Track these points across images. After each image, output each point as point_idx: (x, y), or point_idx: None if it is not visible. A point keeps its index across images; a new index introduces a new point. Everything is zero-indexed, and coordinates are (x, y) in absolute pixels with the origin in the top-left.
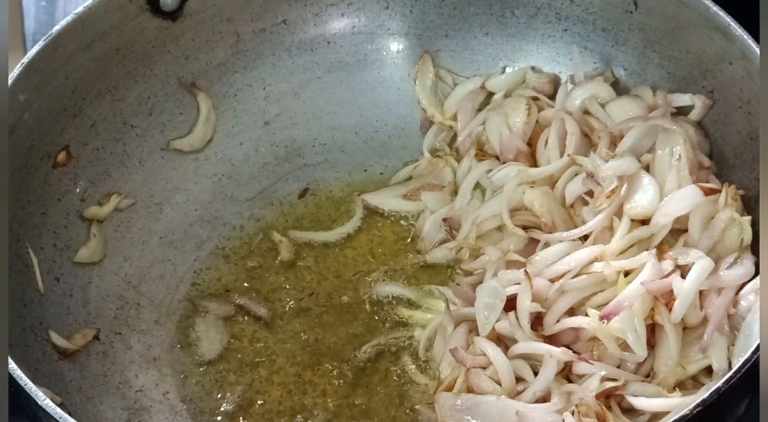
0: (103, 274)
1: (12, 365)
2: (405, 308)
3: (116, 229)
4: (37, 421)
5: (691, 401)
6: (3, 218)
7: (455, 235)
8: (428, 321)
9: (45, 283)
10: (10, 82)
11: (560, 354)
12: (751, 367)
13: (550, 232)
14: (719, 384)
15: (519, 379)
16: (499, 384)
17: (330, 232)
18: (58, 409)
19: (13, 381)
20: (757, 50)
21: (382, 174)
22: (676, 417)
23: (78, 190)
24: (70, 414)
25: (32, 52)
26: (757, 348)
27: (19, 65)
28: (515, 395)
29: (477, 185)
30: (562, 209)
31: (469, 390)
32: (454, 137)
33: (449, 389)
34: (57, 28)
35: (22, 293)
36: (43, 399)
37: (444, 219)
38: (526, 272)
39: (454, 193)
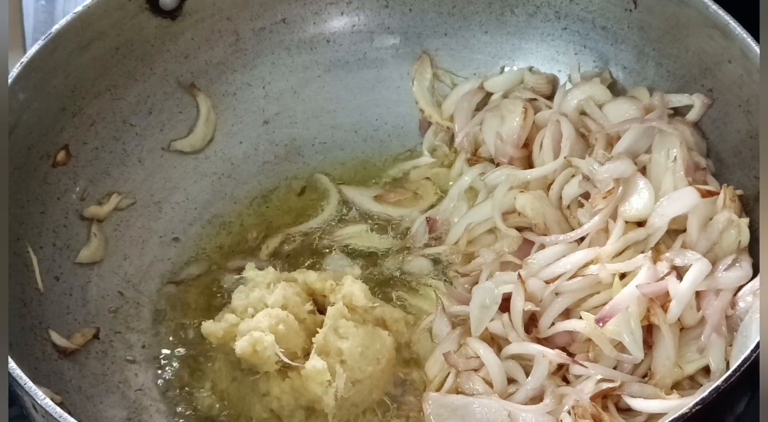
0: (103, 273)
1: (12, 364)
2: (403, 291)
3: (116, 228)
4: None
5: (688, 402)
6: (3, 217)
7: (437, 236)
8: (422, 311)
9: (45, 282)
10: (9, 81)
11: (554, 356)
12: (751, 366)
13: (543, 234)
14: (719, 382)
15: (511, 381)
16: (491, 386)
17: (312, 221)
18: (58, 408)
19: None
20: (757, 49)
21: (381, 171)
22: (676, 415)
23: (77, 189)
24: (69, 413)
25: (32, 51)
26: (757, 346)
27: (18, 64)
28: (507, 396)
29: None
30: (556, 212)
31: (459, 391)
32: (453, 136)
33: (437, 389)
34: (56, 27)
35: (22, 292)
36: (42, 398)
37: (427, 219)
38: (519, 275)
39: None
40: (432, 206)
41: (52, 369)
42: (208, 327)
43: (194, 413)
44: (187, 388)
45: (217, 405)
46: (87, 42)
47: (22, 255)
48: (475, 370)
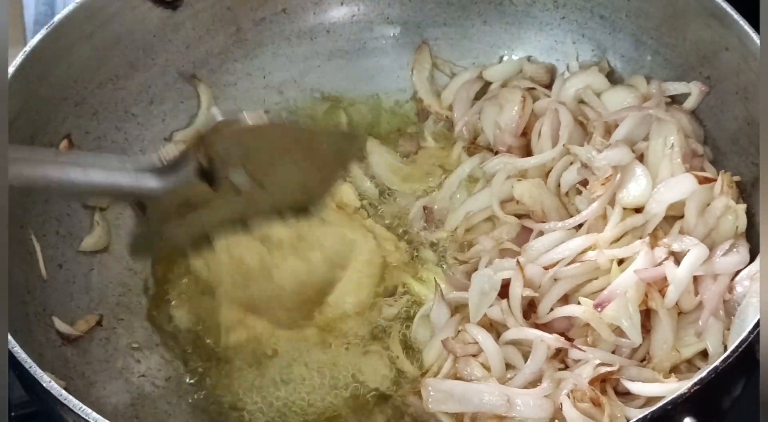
0: (106, 261)
1: (17, 348)
2: (406, 277)
3: (118, 217)
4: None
5: (686, 385)
6: (3, 207)
7: (434, 224)
8: (426, 298)
9: (48, 270)
10: (12, 70)
11: (552, 340)
12: (748, 348)
13: (542, 222)
14: (717, 363)
15: (509, 366)
16: (489, 371)
17: None
18: (63, 391)
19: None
20: (754, 36)
21: None
22: (674, 395)
23: None
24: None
25: (34, 40)
26: (753, 328)
27: (21, 54)
28: (505, 382)
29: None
30: (554, 199)
31: (458, 377)
32: (453, 126)
33: (434, 375)
34: (59, 16)
35: (26, 279)
36: (48, 381)
37: (423, 207)
38: (518, 262)
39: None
40: (427, 192)
41: (56, 355)
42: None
43: (198, 397)
44: (190, 373)
45: (220, 387)
46: (89, 32)
47: (26, 243)
48: (474, 356)
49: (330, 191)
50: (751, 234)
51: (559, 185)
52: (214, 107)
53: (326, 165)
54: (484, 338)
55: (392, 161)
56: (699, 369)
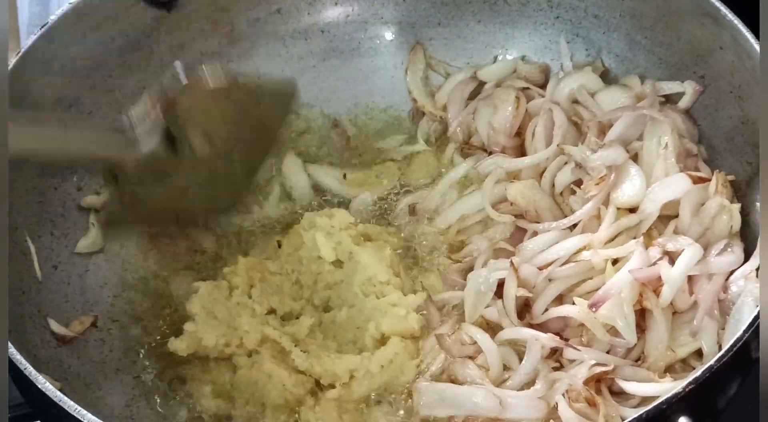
0: (100, 262)
1: (12, 349)
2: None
3: None
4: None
5: (681, 384)
6: (3, 207)
7: (423, 220)
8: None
9: (43, 271)
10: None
11: (547, 339)
12: (743, 347)
13: (536, 222)
14: (712, 362)
15: (505, 367)
16: (487, 372)
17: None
18: (58, 392)
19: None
20: (748, 35)
21: (375, 159)
22: (669, 395)
23: (75, 179)
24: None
25: (29, 41)
26: (748, 328)
27: (15, 55)
28: (501, 383)
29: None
30: (548, 199)
31: (452, 378)
32: (447, 126)
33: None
34: (53, 18)
35: (20, 281)
36: (43, 382)
37: (410, 205)
38: (511, 263)
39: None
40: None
41: (51, 356)
42: (173, 343)
43: (191, 398)
44: (184, 373)
45: (212, 389)
46: (83, 33)
47: (21, 244)
48: (471, 358)
49: (268, 157)
50: (745, 234)
51: (553, 185)
52: (177, 61)
53: (262, 127)
54: (482, 337)
55: (333, 172)
56: (694, 368)
